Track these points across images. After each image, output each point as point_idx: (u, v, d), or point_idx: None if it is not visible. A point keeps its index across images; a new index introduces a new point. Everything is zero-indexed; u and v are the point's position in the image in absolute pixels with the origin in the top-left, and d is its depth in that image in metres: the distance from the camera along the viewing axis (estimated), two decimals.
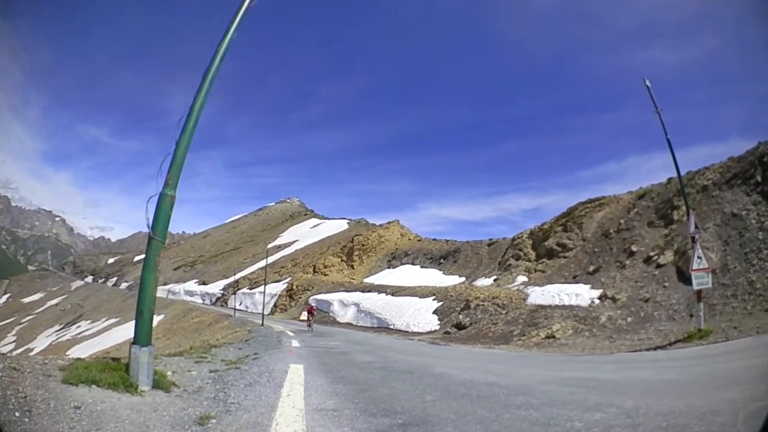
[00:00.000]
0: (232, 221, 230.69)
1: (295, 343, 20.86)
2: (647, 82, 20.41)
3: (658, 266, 29.36)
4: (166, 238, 7.64)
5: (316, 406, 6.79)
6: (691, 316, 20.44)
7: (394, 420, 5.88)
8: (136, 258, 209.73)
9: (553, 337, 24.51)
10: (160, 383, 7.08)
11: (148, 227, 7.37)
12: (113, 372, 6.66)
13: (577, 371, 11.86)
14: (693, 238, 18.40)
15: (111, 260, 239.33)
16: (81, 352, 62.27)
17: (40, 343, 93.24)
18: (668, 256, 29.66)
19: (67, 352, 64.87)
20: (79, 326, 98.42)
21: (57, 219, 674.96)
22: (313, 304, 60.79)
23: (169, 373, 8.31)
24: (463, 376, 10.33)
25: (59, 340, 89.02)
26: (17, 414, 4.60)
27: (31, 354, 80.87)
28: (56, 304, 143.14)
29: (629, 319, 24.78)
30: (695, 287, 17.75)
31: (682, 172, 34.58)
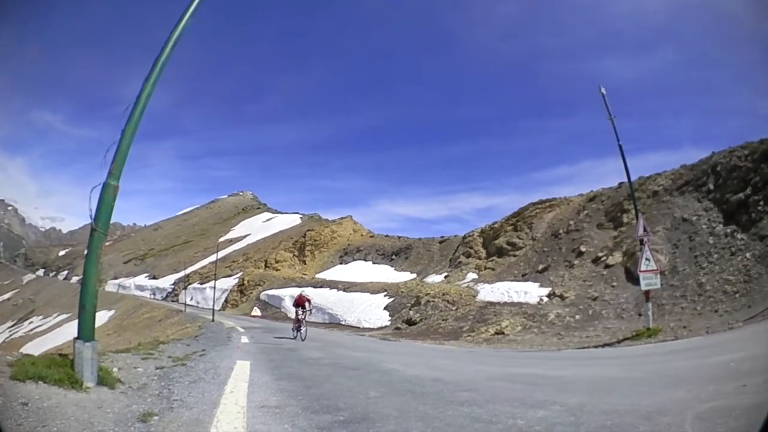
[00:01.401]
0: (184, 213, 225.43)
1: (244, 339, 20.33)
2: (603, 90, 20.84)
3: (607, 266, 29.92)
4: (108, 230, 7.34)
5: (258, 403, 6.60)
6: (640, 315, 20.75)
7: (336, 417, 5.76)
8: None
9: (502, 333, 24.48)
10: (105, 380, 6.89)
11: (91, 218, 7.04)
12: (59, 368, 6.44)
13: (524, 368, 11.82)
14: (641, 241, 18.72)
15: (62, 252, 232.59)
16: (35, 349, 59.53)
17: None
18: (617, 257, 30.16)
19: (21, 350, 63.07)
20: (31, 322, 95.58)
21: (9, 208, 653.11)
22: (264, 299, 60.01)
23: (115, 369, 8.12)
24: (410, 372, 10.31)
25: (12, 337, 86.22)
26: None
27: None
28: (8, 299, 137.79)
29: (577, 317, 25.11)
30: (643, 288, 18.05)
31: (635, 178, 35.60)
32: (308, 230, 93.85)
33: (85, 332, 6.63)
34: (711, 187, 28.51)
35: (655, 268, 18.10)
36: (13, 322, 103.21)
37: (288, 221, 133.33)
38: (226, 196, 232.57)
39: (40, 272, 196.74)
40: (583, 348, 17.79)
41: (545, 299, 29.44)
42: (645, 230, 18.78)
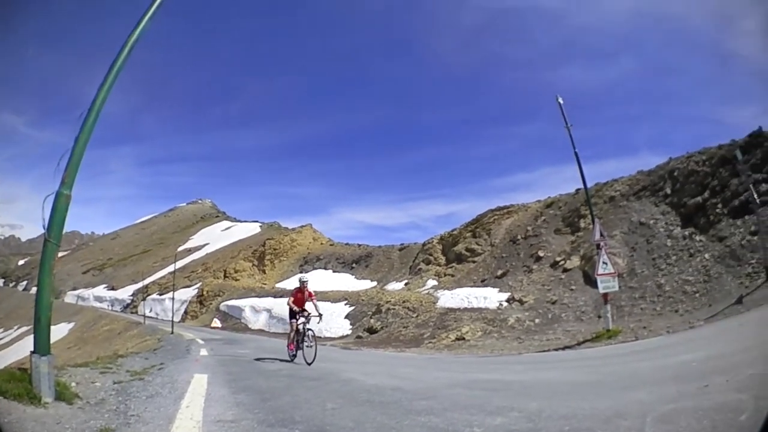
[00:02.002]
0: (143, 222, 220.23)
1: (203, 352, 19.94)
2: (560, 100, 21.21)
3: (565, 270, 30.34)
4: (61, 240, 7.10)
5: (214, 417, 6.49)
6: (599, 317, 20.92)
7: (291, 430, 5.72)
8: None
9: (463, 338, 24.40)
10: (63, 395, 6.79)
11: (44, 228, 6.76)
12: (18, 383, 6.39)
13: (484, 373, 11.80)
14: (598, 245, 18.96)
15: (21, 262, 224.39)
16: None
17: None
18: (574, 261, 30.58)
19: None
20: None
21: None
22: (224, 309, 59.10)
23: (73, 384, 8.08)
24: (370, 382, 10.20)
25: None
26: None
27: None
28: None
29: (537, 321, 25.19)
30: (601, 290, 18.31)
31: (592, 184, 36.64)
32: (267, 239, 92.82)
33: (41, 346, 6.53)
34: (668, 191, 29.29)
35: (612, 271, 18.32)
36: None
37: (247, 230, 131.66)
38: (184, 203, 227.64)
39: (0, 282, 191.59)
40: (544, 351, 17.77)
41: (505, 304, 29.54)
42: (601, 235, 19.06)
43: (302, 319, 15.40)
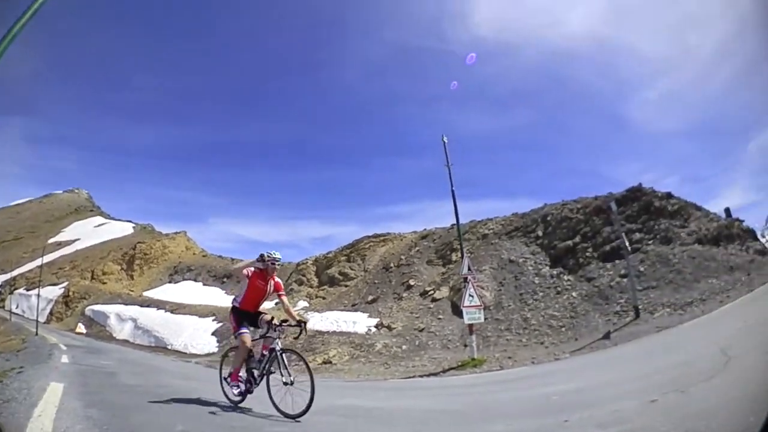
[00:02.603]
0: (18, 205, 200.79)
1: (64, 359, 18.55)
2: (444, 139, 22.40)
3: (434, 300, 30.89)
4: None
5: (63, 430, 6.10)
6: (465, 346, 21.20)
7: None
8: None
9: (330, 362, 24.32)
10: None
11: None
12: None
13: (346, 398, 11.44)
14: (466, 279, 19.41)
15: None
16: None
17: None
18: (444, 292, 31.20)
19: None
20: None
21: None
22: (89, 314, 56.00)
23: None
24: (228, 405, 9.48)
25: None
26: None
27: None
28: None
29: (404, 347, 25.37)
30: (467, 321, 18.70)
31: (468, 221, 38.64)
32: (139, 242, 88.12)
33: None
34: (540, 233, 31.38)
35: (478, 303, 18.84)
36: None
37: (120, 229, 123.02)
38: (60, 191, 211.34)
39: None
40: (409, 377, 17.90)
41: (373, 329, 29.62)
42: (469, 269, 19.57)
43: (270, 332, 8.56)
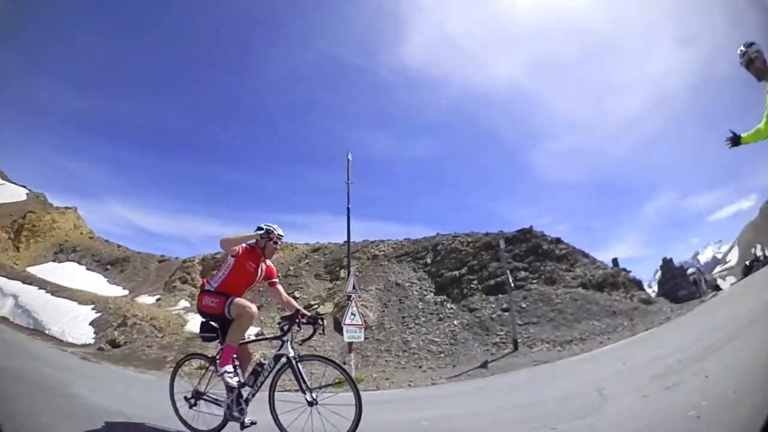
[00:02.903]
0: None
1: None
2: (349, 156, 23.31)
3: (317, 314, 30.83)
4: None
5: None
6: (344, 363, 21.22)
7: None
8: None
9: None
10: None
11: None
12: None
13: None
14: (349, 297, 19.73)
15: None
16: None
17: None
18: (328, 307, 31.42)
19: None
20: None
21: None
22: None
23: None
24: (94, 400, 9.10)
25: None
26: None
27: None
28: None
29: None
30: (346, 339, 18.90)
31: (361, 239, 39.92)
32: (30, 211, 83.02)
33: None
34: (428, 260, 32.59)
35: (359, 322, 19.09)
36: None
37: (13, 194, 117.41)
38: None
39: None
40: (285, 391, 17.67)
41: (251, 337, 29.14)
42: (354, 288, 19.80)
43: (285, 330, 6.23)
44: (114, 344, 31.30)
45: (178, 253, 62.41)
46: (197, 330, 7.40)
